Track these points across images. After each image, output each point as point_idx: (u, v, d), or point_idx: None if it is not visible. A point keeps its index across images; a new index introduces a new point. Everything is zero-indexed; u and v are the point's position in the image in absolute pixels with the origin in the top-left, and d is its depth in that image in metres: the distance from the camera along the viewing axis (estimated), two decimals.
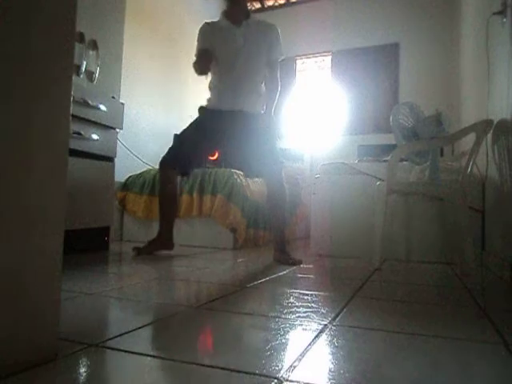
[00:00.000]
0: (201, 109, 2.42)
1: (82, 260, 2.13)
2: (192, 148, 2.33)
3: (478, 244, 2.35)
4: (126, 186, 3.32)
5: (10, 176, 0.68)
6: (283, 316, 1.12)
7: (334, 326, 1.03)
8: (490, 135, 2.11)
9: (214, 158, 3.55)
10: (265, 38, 2.31)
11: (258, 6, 5.28)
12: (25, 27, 0.70)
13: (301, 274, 1.94)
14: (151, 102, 3.89)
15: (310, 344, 0.89)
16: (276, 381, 0.68)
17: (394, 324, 1.07)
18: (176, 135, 2.43)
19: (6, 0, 0.68)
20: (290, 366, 0.75)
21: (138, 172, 3.39)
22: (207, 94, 2.44)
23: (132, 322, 1.06)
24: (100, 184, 2.48)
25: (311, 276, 1.95)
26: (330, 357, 0.82)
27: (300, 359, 0.79)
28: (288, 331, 0.98)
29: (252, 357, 0.81)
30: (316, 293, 1.47)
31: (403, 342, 0.94)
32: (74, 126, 2.20)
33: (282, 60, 2.39)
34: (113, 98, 2.54)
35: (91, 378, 0.71)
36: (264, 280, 1.71)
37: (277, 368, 0.74)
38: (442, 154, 3.39)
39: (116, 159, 2.63)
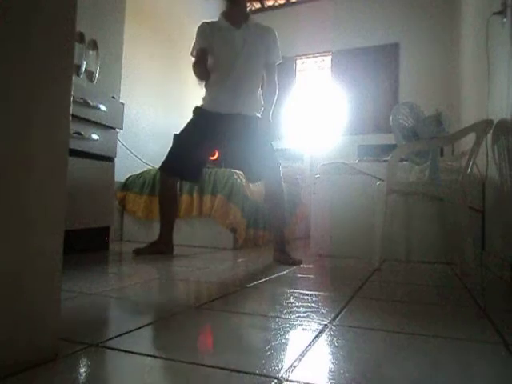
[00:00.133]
0: (197, 109, 2.42)
1: (82, 260, 2.13)
2: (190, 152, 2.32)
3: (477, 244, 2.35)
4: (126, 185, 3.32)
5: (10, 176, 0.68)
6: (283, 316, 1.12)
7: (334, 326, 1.03)
8: (489, 135, 2.11)
9: (214, 158, 3.55)
10: (262, 41, 2.32)
11: (258, 5, 5.28)
12: (25, 27, 0.70)
13: (301, 274, 1.94)
14: (151, 102, 3.90)
15: (310, 344, 0.89)
16: (276, 381, 0.68)
17: (393, 324, 1.07)
18: (175, 136, 2.43)
19: (6, 0, 0.68)
20: (290, 366, 0.75)
21: (138, 172, 3.39)
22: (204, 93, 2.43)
23: (132, 322, 1.06)
24: (100, 184, 2.48)
25: (311, 276, 1.95)
26: (330, 357, 0.82)
27: (300, 359, 0.79)
28: (288, 331, 0.98)
29: (252, 357, 0.81)
30: (316, 293, 1.47)
31: (403, 341, 0.94)
32: (74, 126, 2.20)
33: (280, 63, 2.40)
34: (113, 98, 2.54)
35: (91, 378, 0.71)
36: (264, 280, 1.71)
37: (277, 368, 0.74)
38: (442, 154, 3.39)
39: (116, 159, 2.63)
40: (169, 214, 2.45)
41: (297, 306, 1.23)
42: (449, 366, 0.80)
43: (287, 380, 0.69)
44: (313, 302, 1.31)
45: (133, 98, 3.45)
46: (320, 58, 5.08)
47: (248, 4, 5.04)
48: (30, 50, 0.72)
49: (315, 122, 5.00)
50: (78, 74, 2.24)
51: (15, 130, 0.69)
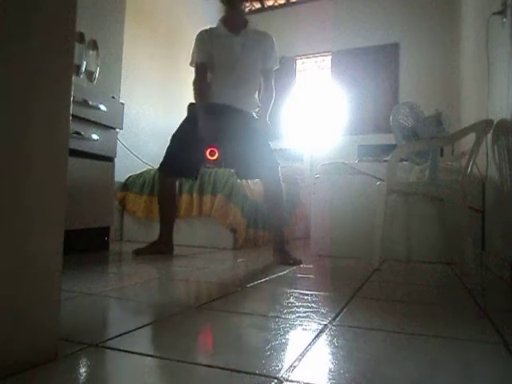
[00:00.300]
0: (191, 105, 2.43)
1: (82, 260, 2.13)
2: (188, 149, 2.33)
3: (478, 244, 2.35)
4: (126, 186, 3.32)
5: (9, 176, 0.68)
6: (283, 316, 1.12)
7: (334, 326, 1.03)
8: (489, 135, 2.11)
9: (214, 158, 3.54)
10: (260, 47, 2.34)
11: (258, 5, 5.28)
12: (25, 27, 0.70)
13: (301, 274, 1.94)
14: (151, 102, 3.90)
15: (310, 344, 0.89)
16: (276, 381, 0.68)
17: (394, 324, 1.07)
18: (172, 135, 2.44)
19: (6, 0, 0.68)
20: (290, 366, 0.75)
21: (138, 172, 3.39)
22: None
23: (132, 321, 1.06)
24: (100, 184, 2.48)
25: (311, 276, 1.95)
26: (330, 357, 0.82)
27: (300, 359, 0.79)
28: (288, 331, 0.98)
29: (252, 357, 0.81)
30: (316, 293, 1.47)
31: (403, 341, 0.94)
32: (74, 126, 2.20)
33: (277, 69, 2.41)
34: (113, 98, 2.54)
35: (91, 378, 0.71)
36: (264, 280, 1.71)
37: (277, 368, 0.74)
38: (441, 154, 3.39)
39: (116, 159, 2.63)
40: (168, 214, 2.46)
41: (297, 306, 1.23)
42: (449, 365, 0.80)
43: (287, 380, 0.69)
44: (313, 302, 1.31)
45: (133, 98, 3.45)
46: (320, 58, 5.08)
47: (248, 4, 5.07)
48: (30, 50, 0.72)
49: (315, 121, 5.00)
50: (78, 74, 2.24)
51: (15, 129, 0.69)
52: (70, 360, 0.76)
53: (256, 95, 2.43)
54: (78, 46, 2.22)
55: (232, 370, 0.72)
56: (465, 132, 2.18)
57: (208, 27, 2.39)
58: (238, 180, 2.97)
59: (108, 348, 0.83)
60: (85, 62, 2.28)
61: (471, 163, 2.07)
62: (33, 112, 0.72)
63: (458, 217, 2.08)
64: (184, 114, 2.47)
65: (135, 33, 3.46)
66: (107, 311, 1.25)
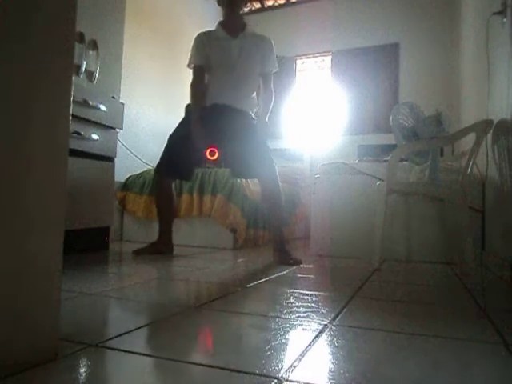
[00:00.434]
0: (188, 106, 2.43)
1: (82, 260, 2.13)
2: (184, 151, 2.32)
3: (478, 244, 2.35)
4: (126, 185, 3.32)
5: (9, 176, 0.68)
6: (283, 316, 1.12)
7: (334, 326, 1.03)
8: (490, 135, 2.11)
9: (214, 158, 3.54)
10: (258, 50, 2.34)
11: (258, 5, 5.28)
12: (25, 27, 0.70)
13: (301, 274, 1.94)
14: (151, 102, 3.89)
15: (310, 344, 0.89)
16: (276, 381, 0.68)
17: (394, 324, 1.07)
18: (170, 137, 2.44)
19: (6, 0, 0.68)
20: (290, 366, 0.75)
21: (138, 172, 3.39)
22: None
23: (132, 321, 1.06)
24: (100, 184, 2.48)
25: (311, 276, 1.95)
26: (330, 357, 0.82)
27: (300, 359, 0.79)
28: (288, 331, 0.98)
29: (252, 357, 0.81)
30: (316, 293, 1.47)
31: (403, 341, 0.94)
32: (74, 126, 2.20)
33: (276, 72, 2.42)
34: (113, 98, 2.54)
35: (91, 378, 0.71)
36: (264, 280, 1.71)
37: (277, 368, 0.74)
38: (441, 154, 3.39)
39: (116, 159, 2.63)
40: (166, 214, 2.46)
41: (297, 306, 1.23)
42: (449, 365, 0.80)
43: (287, 380, 0.69)
44: (313, 302, 1.31)
45: (133, 98, 3.45)
46: (320, 58, 5.08)
47: (248, 4, 5.06)
48: (30, 50, 0.72)
49: (315, 121, 5.00)
50: (78, 74, 2.24)
51: (15, 129, 0.69)
52: (70, 360, 0.76)
53: (254, 96, 2.43)
54: (78, 46, 2.22)
55: (232, 370, 0.72)
56: (465, 132, 2.18)
57: (206, 30, 2.40)
58: (238, 180, 2.97)
59: (108, 348, 0.83)
60: (85, 62, 2.28)
61: (471, 163, 2.07)
62: (33, 112, 0.72)
63: (458, 217, 2.08)
64: (184, 114, 2.48)
65: (135, 33, 3.46)
66: (107, 311, 1.25)
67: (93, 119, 2.34)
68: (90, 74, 2.35)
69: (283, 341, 0.91)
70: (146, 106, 3.79)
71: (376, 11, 4.73)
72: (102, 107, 2.39)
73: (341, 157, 3.66)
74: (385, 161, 2.59)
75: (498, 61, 2.14)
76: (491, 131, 2.06)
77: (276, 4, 5.25)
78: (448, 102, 3.97)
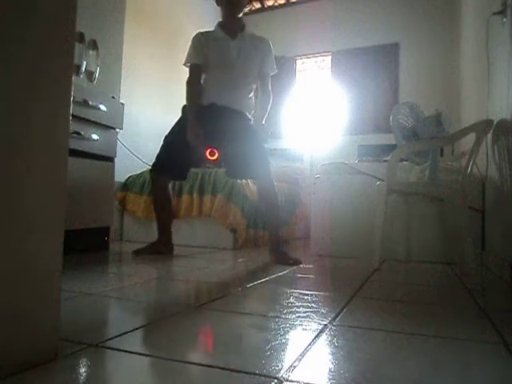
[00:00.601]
0: (185, 107, 2.43)
1: (82, 260, 2.13)
2: (180, 151, 2.32)
3: (478, 244, 2.35)
4: (126, 185, 3.32)
5: (9, 176, 0.68)
6: (283, 316, 1.12)
7: (334, 326, 1.03)
8: (489, 135, 2.11)
9: (214, 158, 3.55)
10: (257, 52, 2.34)
11: (258, 5, 5.28)
12: (25, 27, 0.70)
13: (301, 274, 1.94)
14: (151, 102, 3.90)
15: (310, 344, 0.89)
16: (276, 381, 0.68)
17: (394, 324, 1.07)
18: (165, 137, 2.44)
19: (6, 0, 0.68)
20: (290, 366, 0.75)
21: (138, 172, 3.39)
22: None
23: (132, 321, 1.06)
24: (100, 184, 2.48)
25: (311, 276, 1.95)
26: (330, 357, 0.82)
27: (300, 359, 0.79)
28: (288, 331, 0.98)
29: (252, 357, 0.81)
30: (316, 293, 1.47)
31: (403, 341, 0.94)
32: (74, 126, 2.20)
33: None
34: (113, 98, 2.54)
35: (91, 378, 0.71)
36: (264, 280, 1.71)
37: (277, 368, 0.74)
38: (441, 154, 3.39)
39: (116, 159, 2.63)
40: (164, 215, 2.45)
41: (297, 306, 1.23)
42: (449, 365, 0.80)
43: (287, 380, 0.69)
44: (313, 302, 1.31)
45: (133, 98, 3.45)
46: (320, 58, 5.08)
47: (248, 4, 5.06)
48: (30, 50, 0.72)
49: (315, 121, 5.00)
50: (78, 74, 2.24)
51: (15, 129, 0.69)
52: (70, 360, 0.76)
53: (252, 97, 2.43)
54: (78, 46, 2.22)
55: (232, 370, 0.72)
56: (465, 132, 2.18)
57: (205, 30, 2.40)
58: (238, 180, 2.97)
59: (108, 348, 0.83)
60: (85, 62, 2.28)
61: (471, 163, 2.07)
62: (33, 112, 0.72)
63: (458, 217, 2.08)
64: None
65: (135, 33, 3.46)
66: (107, 311, 1.25)
67: (93, 119, 2.34)
68: (90, 74, 2.35)
69: (283, 341, 0.91)
70: (145, 106, 3.79)
71: (376, 11, 4.73)
72: (102, 107, 2.39)
73: (341, 157, 3.66)
74: (385, 161, 2.59)
75: (498, 61, 2.14)
76: (491, 131, 2.06)
77: (276, 4, 5.25)
78: (448, 102, 3.98)
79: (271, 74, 2.41)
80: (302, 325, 1.04)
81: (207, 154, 2.73)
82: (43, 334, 0.74)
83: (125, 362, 0.78)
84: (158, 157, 2.42)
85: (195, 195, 3.03)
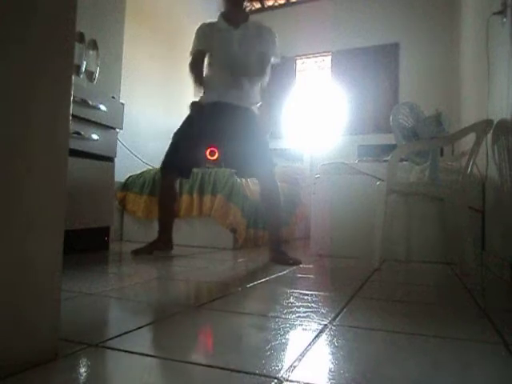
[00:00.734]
0: (192, 104, 2.42)
1: (82, 260, 2.13)
2: (189, 149, 2.32)
3: (478, 244, 2.35)
4: (126, 185, 3.32)
5: (10, 176, 0.68)
6: (283, 316, 1.12)
7: (334, 326, 1.03)
8: (490, 135, 2.11)
9: (214, 158, 3.55)
10: (260, 41, 2.31)
11: (258, 5, 5.28)
12: (25, 27, 0.70)
13: (301, 274, 1.94)
14: (151, 102, 3.90)
15: (310, 344, 0.89)
16: (276, 381, 0.68)
17: (394, 324, 1.07)
18: (174, 134, 2.43)
19: (6, 0, 0.68)
20: (290, 366, 0.75)
21: (138, 172, 3.39)
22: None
23: (132, 321, 1.06)
24: (100, 184, 2.48)
25: (311, 276, 1.95)
26: (330, 357, 0.82)
27: (300, 359, 0.79)
28: (288, 331, 0.98)
29: (252, 357, 0.81)
30: (316, 293, 1.47)
31: (403, 341, 0.94)
32: (74, 126, 2.20)
33: (278, 64, 2.39)
34: (113, 98, 2.54)
35: (91, 378, 0.71)
36: (264, 280, 1.71)
37: (277, 368, 0.74)
38: (441, 154, 3.39)
39: (116, 159, 2.63)
40: (168, 213, 2.45)
41: (297, 306, 1.23)
42: (449, 365, 0.80)
43: (287, 380, 0.69)
44: (313, 302, 1.31)
45: (133, 98, 3.44)
46: (320, 58, 5.08)
47: (248, 4, 5.06)
48: (30, 50, 0.72)
49: (315, 121, 5.00)
50: (78, 74, 2.24)
51: (15, 129, 0.69)
52: (70, 360, 0.76)
53: (255, 90, 2.39)
54: (78, 46, 2.22)
55: (232, 370, 0.72)
56: (465, 132, 2.18)
57: (209, 21, 2.39)
58: (238, 180, 2.97)
59: (108, 348, 0.83)
60: (85, 62, 2.28)
61: (471, 163, 2.07)
62: (33, 112, 0.72)
63: (458, 217, 2.08)
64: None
65: (135, 33, 3.46)
66: (107, 311, 1.25)
67: (93, 119, 2.34)
68: (89, 74, 2.35)
69: (283, 341, 0.91)
70: (146, 105, 3.79)
71: (376, 11, 4.73)
72: (102, 107, 2.39)
73: (341, 157, 3.66)
74: (385, 161, 2.59)
75: (498, 61, 2.14)
76: (491, 131, 2.06)
77: (276, 4, 5.26)
78: (448, 102, 3.97)
79: (273, 62, 2.33)
80: (301, 325, 1.04)
81: (207, 153, 2.73)
82: (43, 333, 0.74)
83: (125, 361, 0.78)
84: (167, 155, 2.39)
85: (195, 195, 3.03)
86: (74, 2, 0.80)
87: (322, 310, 1.20)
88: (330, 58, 4.96)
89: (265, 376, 0.70)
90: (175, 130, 2.41)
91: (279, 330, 0.99)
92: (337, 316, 1.13)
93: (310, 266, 2.24)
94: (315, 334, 0.96)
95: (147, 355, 0.81)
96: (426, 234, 2.49)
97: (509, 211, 1.84)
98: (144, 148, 3.68)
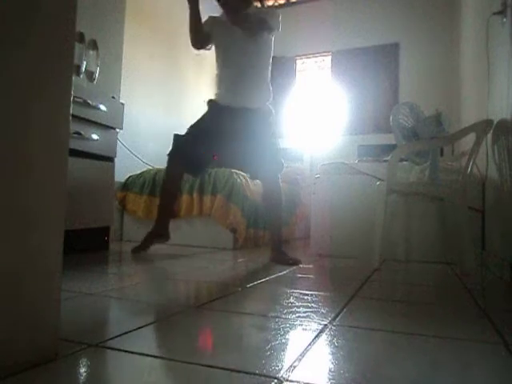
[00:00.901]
0: (209, 102, 2.41)
1: (82, 260, 2.13)
2: (201, 145, 2.29)
3: (478, 244, 2.35)
4: (126, 185, 3.32)
5: (10, 176, 0.68)
6: (283, 316, 1.12)
7: (334, 326, 1.03)
8: (490, 135, 2.11)
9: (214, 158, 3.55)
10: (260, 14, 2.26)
11: (258, 6, 5.27)
12: (25, 27, 0.70)
13: (301, 274, 1.94)
14: (151, 102, 3.89)
15: (310, 344, 0.89)
16: (276, 381, 0.68)
17: (393, 324, 1.07)
18: (190, 126, 2.38)
19: (6, 0, 0.68)
20: (290, 366, 0.75)
21: (138, 172, 3.39)
22: (208, 93, 2.43)
23: (132, 321, 1.06)
24: (100, 184, 2.48)
25: (311, 276, 1.95)
26: (330, 357, 0.82)
27: (300, 359, 0.79)
28: (288, 331, 0.98)
29: (252, 357, 0.81)
30: (316, 293, 1.47)
31: (403, 341, 0.94)
32: (74, 126, 2.20)
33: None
34: (113, 98, 2.54)
35: (91, 378, 0.71)
36: (264, 280, 1.71)
37: (277, 368, 0.74)
38: (441, 154, 3.39)
39: (116, 159, 2.63)
40: (170, 205, 2.42)
41: (297, 306, 1.23)
42: (449, 365, 0.80)
43: (287, 380, 0.69)
44: (313, 302, 1.31)
45: (133, 98, 3.44)
46: (320, 58, 5.08)
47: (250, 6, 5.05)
48: (30, 50, 0.72)
49: (315, 121, 5.00)
50: (78, 74, 2.24)
51: (15, 129, 0.69)
52: (70, 360, 0.76)
53: (265, 85, 2.36)
54: (78, 46, 2.22)
55: (232, 370, 0.72)
56: (465, 132, 2.18)
57: (214, 15, 2.39)
58: (238, 180, 2.97)
59: (108, 348, 0.83)
60: (85, 62, 2.28)
61: (471, 163, 2.07)
62: (33, 112, 0.72)
63: (458, 217, 2.08)
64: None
65: (135, 33, 3.46)
66: (107, 311, 1.25)
67: (93, 119, 2.34)
68: (90, 74, 2.35)
69: (283, 341, 0.91)
70: (145, 106, 3.79)
71: (376, 11, 4.73)
72: (102, 107, 2.39)
73: (341, 157, 3.66)
74: (385, 161, 2.59)
75: (498, 61, 2.14)
76: (491, 131, 2.06)
77: (276, 4, 5.25)
78: (448, 102, 3.98)
79: (271, 32, 2.26)
80: (301, 325, 1.04)
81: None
82: (43, 333, 0.74)
83: (125, 361, 0.78)
84: (179, 143, 2.33)
85: (195, 195, 3.03)
86: (74, 2, 0.80)
87: (322, 310, 1.20)
88: (329, 57, 4.96)
89: (265, 376, 0.70)
90: (192, 123, 2.37)
91: (279, 330, 0.99)
92: (337, 316, 1.13)
93: (310, 265, 2.24)
94: (315, 334, 0.96)
95: (147, 355, 0.81)
96: (426, 233, 2.49)
97: (509, 211, 1.84)
98: (144, 148, 3.68)
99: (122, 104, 2.62)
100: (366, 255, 2.33)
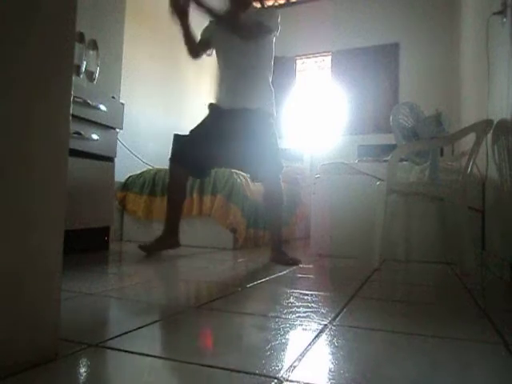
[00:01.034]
0: (210, 105, 2.41)
1: (82, 260, 2.13)
2: (203, 148, 2.29)
3: (478, 244, 2.35)
4: (126, 185, 3.32)
5: (9, 176, 0.68)
6: (283, 316, 1.12)
7: (334, 326, 1.03)
8: (490, 135, 2.11)
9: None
10: (261, 21, 2.23)
11: (257, 6, 5.27)
12: (25, 27, 0.70)
13: (301, 274, 1.94)
14: (151, 102, 3.89)
15: (310, 344, 0.89)
16: (276, 381, 0.68)
17: (393, 324, 1.07)
18: (191, 130, 2.39)
19: (6, 0, 0.68)
20: (290, 366, 0.75)
21: (138, 172, 3.39)
22: (208, 93, 2.43)
23: (132, 321, 1.06)
24: (100, 184, 2.48)
25: (311, 276, 1.95)
26: (330, 357, 0.82)
27: (300, 359, 0.79)
28: (288, 331, 0.98)
29: (252, 357, 0.81)
30: (316, 293, 1.47)
31: (403, 341, 0.94)
32: (74, 126, 2.20)
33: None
34: (113, 98, 2.54)
35: (91, 378, 0.71)
36: (264, 280, 1.71)
37: (277, 368, 0.74)
38: (441, 154, 3.39)
39: (116, 159, 2.63)
40: (178, 207, 2.41)
41: (297, 306, 1.23)
42: (448, 365, 0.80)
43: (287, 380, 0.69)
44: (313, 302, 1.31)
45: (133, 98, 3.44)
46: (320, 58, 5.08)
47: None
48: (30, 50, 0.72)
49: (315, 122, 5.00)
50: (78, 74, 2.24)
51: (15, 129, 0.69)
52: (70, 360, 0.76)
53: (264, 85, 2.34)
54: (78, 46, 2.22)
55: (232, 370, 0.72)
56: (465, 132, 2.18)
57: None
58: (238, 180, 2.97)
59: (108, 348, 0.83)
60: (85, 62, 2.28)
61: (471, 163, 2.07)
62: (33, 112, 0.72)
63: (458, 217, 2.08)
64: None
65: (135, 33, 3.46)
66: (107, 311, 1.25)
67: (93, 119, 2.34)
68: (90, 74, 2.35)
69: (283, 341, 0.91)
70: (145, 106, 3.79)
71: (376, 11, 4.73)
72: (102, 107, 2.39)
73: (341, 157, 3.66)
74: (385, 161, 2.59)
75: (498, 61, 2.14)
76: (491, 131, 2.06)
77: (276, 4, 5.25)
78: (448, 102, 3.98)
79: (271, 33, 2.25)
80: (302, 325, 1.04)
81: None
82: (43, 333, 0.74)
83: (125, 361, 0.78)
84: (178, 145, 2.33)
85: (195, 195, 3.03)
86: (74, 2, 0.80)
87: (322, 310, 1.20)
88: (329, 57, 4.96)
89: (265, 376, 0.70)
90: (193, 127, 2.37)
91: (279, 329, 0.99)
92: (337, 316, 1.13)
93: (310, 265, 2.24)
94: (315, 334, 0.96)
95: (147, 355, 0.81)
96: (426, 233, 2.49)
97: (509, 211, 1.84)
98: (144, 148, 3.68)
99: (122, 104, 2.62)
100: (366, 255, 2.33)
